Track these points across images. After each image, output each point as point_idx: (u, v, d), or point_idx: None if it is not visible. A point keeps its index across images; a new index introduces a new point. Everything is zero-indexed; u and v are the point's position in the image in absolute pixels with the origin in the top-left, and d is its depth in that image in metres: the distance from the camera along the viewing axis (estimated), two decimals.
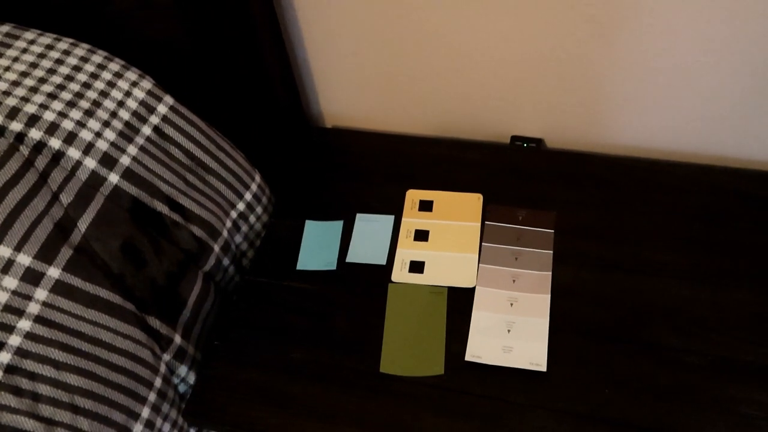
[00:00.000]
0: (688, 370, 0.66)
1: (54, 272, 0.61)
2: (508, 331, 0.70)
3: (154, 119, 0.74)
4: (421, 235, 0.80)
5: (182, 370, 0.73)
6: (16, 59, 0.70)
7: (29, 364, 0.58)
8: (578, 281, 0.73)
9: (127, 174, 0.70)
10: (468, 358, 0.69)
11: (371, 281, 0.77)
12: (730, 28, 0.71)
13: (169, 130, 0.75)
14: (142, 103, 0.73)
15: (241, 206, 0.82)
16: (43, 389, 0.58)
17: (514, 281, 0.74)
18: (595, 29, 0.75)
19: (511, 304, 0.72)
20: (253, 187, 0.84)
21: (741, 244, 0.74)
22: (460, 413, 0.65)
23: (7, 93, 0.66)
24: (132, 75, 0.74)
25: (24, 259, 0.59)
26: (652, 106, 0.82)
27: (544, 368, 0.67)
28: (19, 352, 0.58)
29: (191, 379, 0.74)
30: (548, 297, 0.72)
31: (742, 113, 0.79)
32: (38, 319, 0.59)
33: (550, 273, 0.74)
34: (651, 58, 0.76)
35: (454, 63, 0.85)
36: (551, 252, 0.76)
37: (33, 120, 0.65)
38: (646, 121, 0.84)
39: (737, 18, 0.70)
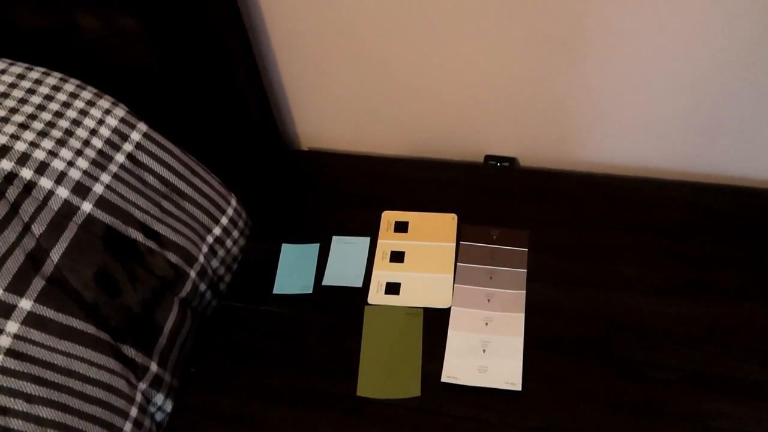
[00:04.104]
0: (658, 384, 0.67)
1: (26, 304, 0.61)
2: (484, 350, 0.71)
3: (128, 147, 0.74)
4: (397, 257, 0.81)
5: (159, 398, 0.72)
6: None
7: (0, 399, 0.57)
8: (551, 299, 0.74)
9: (101, 202, 0.69)
10: (444, 379, 0.69)
11: (348, 304, 0.77)
12: (692, 49, 0.73)
13: (143, 158, 0.75)
14: (115, 130, 0.73)
15: (217, 231, 0.83)
16: (15, 423, 0.58)
17: (488, 300, 0.75)
18: (563, 51, 0.77)
19: (486, 324, 0.73)
20: (229, 211, 0.84)
21: (707, 257, 0.76)
22: None
23: None
24: (105, 103, 0.75)
25: None
26: (620, 125, 0.84)
27: (519, 387, 0.68)
28: None
29: (168, 407, 0.73)
30: (522, 316, 0.73)
31: (704, 131, 0.82)
32: (9, 353, 0.58)
33: (524, 292, 0.75)
34: (616, 78, 0.78)
35: (428, 84, 0.86)
36: (525, 271, 0.77)
37: (4, 151, 0.65)
38: (615, 139, 0.86)
39: (698, 41, 0.72)
